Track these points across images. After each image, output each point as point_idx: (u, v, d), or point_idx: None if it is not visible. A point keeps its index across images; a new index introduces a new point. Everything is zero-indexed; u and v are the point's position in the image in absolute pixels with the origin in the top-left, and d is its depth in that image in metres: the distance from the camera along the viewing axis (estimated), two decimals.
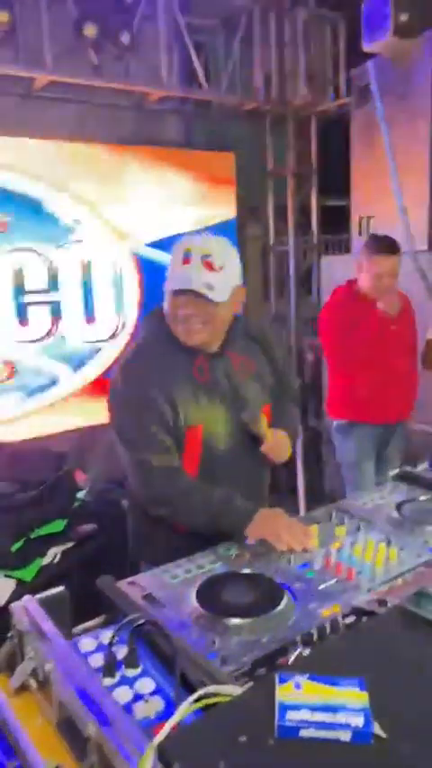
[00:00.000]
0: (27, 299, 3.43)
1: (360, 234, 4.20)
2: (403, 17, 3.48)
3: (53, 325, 3.54)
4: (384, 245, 2.95)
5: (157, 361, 1.65)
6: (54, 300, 3.54)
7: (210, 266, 1.56)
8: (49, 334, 3.52)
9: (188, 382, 1.66)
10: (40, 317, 3.49)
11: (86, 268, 3.68)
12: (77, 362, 3.66)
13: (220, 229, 3.83)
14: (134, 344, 1.75)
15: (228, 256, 1.61)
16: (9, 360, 3.40)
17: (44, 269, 3.49)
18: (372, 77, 3.91)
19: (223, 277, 1.57)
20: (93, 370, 3.72)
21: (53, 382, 3.58)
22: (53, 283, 3.52)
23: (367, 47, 3.74)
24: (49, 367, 3.57)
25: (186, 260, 1.56)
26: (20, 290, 3.40)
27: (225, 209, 4.35)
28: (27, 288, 3.43)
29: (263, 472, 1.88)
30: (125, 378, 1.65)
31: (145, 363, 1.65)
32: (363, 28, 3.71)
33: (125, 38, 3.59)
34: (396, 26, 3.51)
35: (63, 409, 3.63)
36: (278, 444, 1.77)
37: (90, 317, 3.70)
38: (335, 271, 4.19)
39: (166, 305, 1.64)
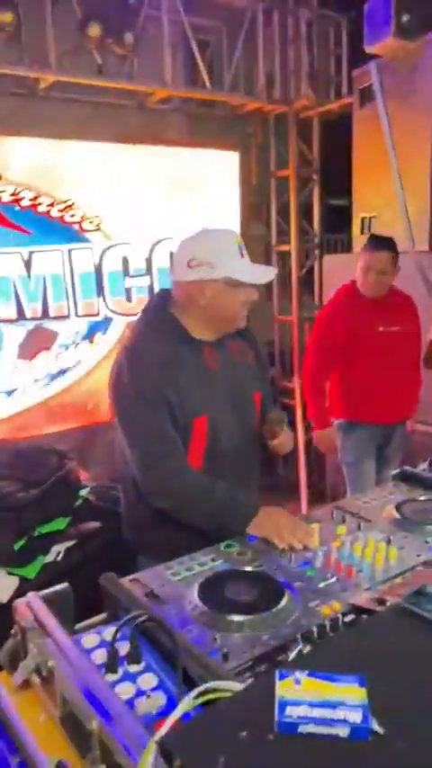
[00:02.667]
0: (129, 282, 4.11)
1: (362, 233, 4.21)
2: (405, 18, 3.49)
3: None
4: (374, 242, 3.00)
5: (164, 351, 1.66)
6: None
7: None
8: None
9: (195, 371, 1.68)
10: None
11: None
12: None
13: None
14: (137, 336, 1.74)
15: None
16: None
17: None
18: (374, 78, 3.92)
19: None
20: None
21: None
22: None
23: (369, 48, 3.74)
24: None
25: (242, 254, 1.66)
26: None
27: (229, 208, 4.36)
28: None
29: (257, 462, 1.91)
30: (132, 370, 1.65)
31: (151, 354, 1.66)
32: (365, 29, 3.71)
33: (129, 38, 3.60)
34: (398, 27, 3.51)
35: None
36: (287, 437, 1.83)
37: None
38: (336, 270, 4.20)
39: (218, 295, 1.65)
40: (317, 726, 0.76)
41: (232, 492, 1.64)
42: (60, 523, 2.37)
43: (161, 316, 1.72)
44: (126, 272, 4.06)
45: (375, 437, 3.13)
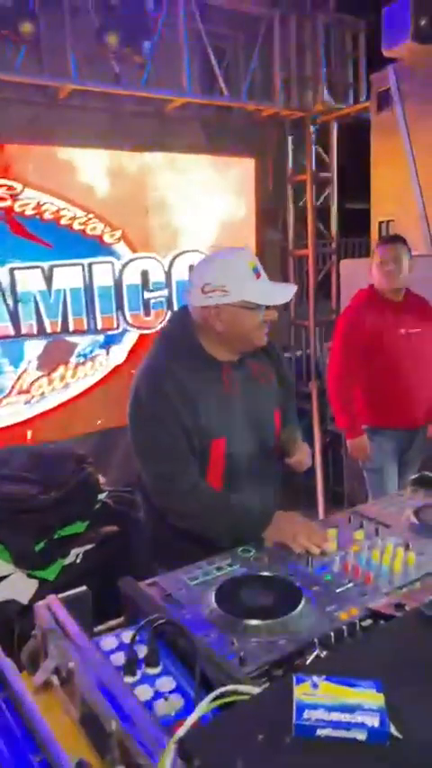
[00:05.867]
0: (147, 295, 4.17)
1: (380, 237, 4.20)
2: (423, 22, 3.48)
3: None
4: (385, 236, 3.21)
5: (184, 372, 1.65)
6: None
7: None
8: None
9: (214, 393, 1.68)
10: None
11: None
12: None
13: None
14: (156, 357, 1.73)
15: None
16: None
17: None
18: (392, 82, 3.91)
19: None
20: None
21: None
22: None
23: (387, 52, 3.74)
24: None
25: (258, 274, 1.65)
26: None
27: (245, 214, 4.38)
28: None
29: (277, 478, 1.91)
30: (150, 390, 1.65)
31: (169, 378, 1.65)
32: (383, 33, 3.71)
33: (146, 46, 3.64)
34: (416, 31, 3.50)
35: None
36: (304, 455, 1.83)
37: None
38: (354, 275, 4.18)
39: (234, 319, 1.64)
40: (334, 729, 0.76)
41: (246, 503, 1.64)
42: (79, 527, 2.40)
43: (181, 336, 1.72)
44: (145, 286, 4.11)
45: (398, 443, 3.11)
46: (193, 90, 4.04)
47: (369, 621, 1.17)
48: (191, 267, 4.11)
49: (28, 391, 3.79)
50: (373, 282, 3.05)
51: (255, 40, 4.30)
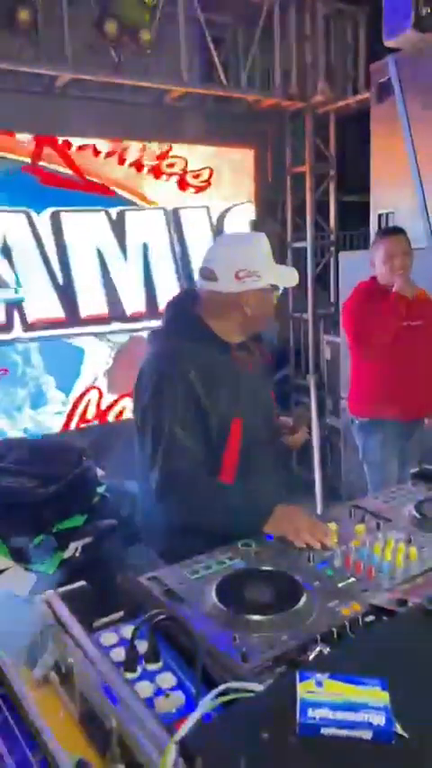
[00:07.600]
0: None
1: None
2: (424, 11, 3.44)
3: None
4: (388, 228, 3.15)
5: (196, 356, 1.66)
6: None
7: None
8: None
9: (227, 375, 1.69)
10: None
11: None
12: None
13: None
14: (165, 344, 1.73)
15: None
16: None
17: None
18: (392, 72, 3.88)
19: None
20: None
21: None
22: None
23: (388, 41, 3.69)
24: None
25: (273, 257, 1.75)
26: None
27: (244, 205, 4.35)
28: None
29: (280, 459, 1.93)
30: (160, 383, 1.63)
31: (183, 361, 1.66)
32: (383, 22, 3.67)
33: (145, 35, 3.60)
34: (417, 20, 3.46)
35: None
36: (304, 433, 1.93)
37: None
38: (353, 267, 4.16)
39: (261, 302, 1.71)
40: (339, 728, 0.75)
41: (248, 492, 1.65)
42: (78, 520, 2.39)
43: (188, 320, 1.73)
44: None
45: (400, 435, 3.10)
46: (193, 80, 4.00)
47: (372, 617, 1.16)
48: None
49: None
50: (375, 276, 3.02)
51: (254, 30, 4.26)
